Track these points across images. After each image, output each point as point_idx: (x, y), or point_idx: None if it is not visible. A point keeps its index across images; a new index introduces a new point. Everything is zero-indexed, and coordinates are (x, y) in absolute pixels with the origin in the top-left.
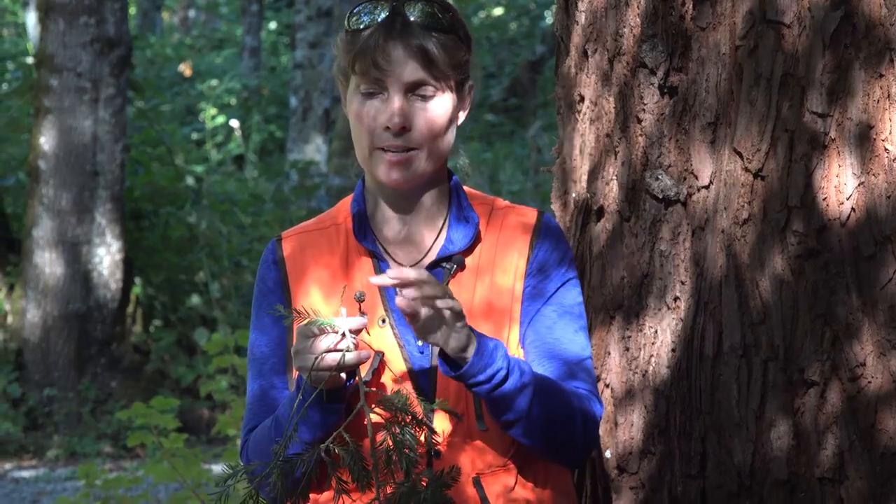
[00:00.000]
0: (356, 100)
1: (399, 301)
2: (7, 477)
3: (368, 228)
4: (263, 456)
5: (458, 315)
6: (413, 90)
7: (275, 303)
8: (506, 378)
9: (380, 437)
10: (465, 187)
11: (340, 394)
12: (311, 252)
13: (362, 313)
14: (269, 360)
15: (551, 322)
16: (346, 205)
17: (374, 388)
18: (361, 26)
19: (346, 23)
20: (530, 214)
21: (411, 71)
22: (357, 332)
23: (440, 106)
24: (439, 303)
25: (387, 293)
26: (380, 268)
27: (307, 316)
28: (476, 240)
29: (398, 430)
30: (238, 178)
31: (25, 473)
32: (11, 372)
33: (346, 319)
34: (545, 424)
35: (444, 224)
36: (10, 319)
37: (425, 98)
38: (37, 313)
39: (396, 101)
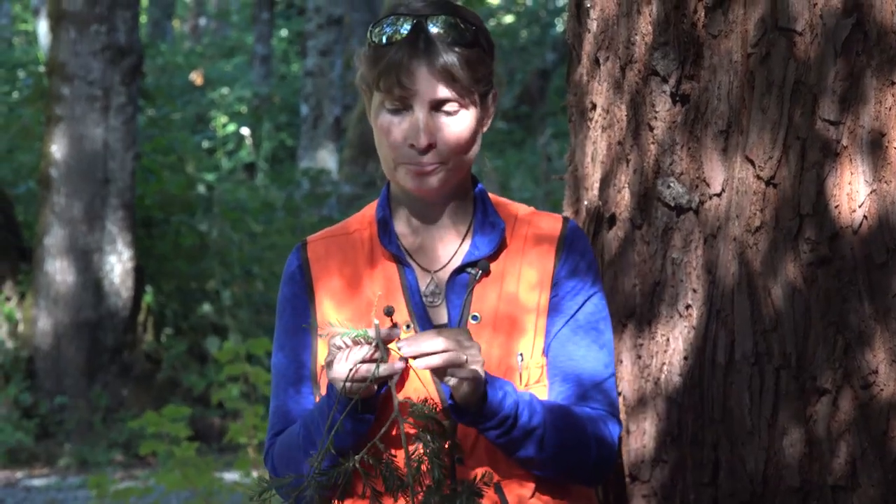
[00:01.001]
0: (380, 115)
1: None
2: (18, 485)
3: (393, 234)
4: (291, 461)
5: (474, 379)
6: (437, 108)
7: (298, 310)
8: (513, 426)
9: (412, 445)
10: (490, 194)
11: (372, 403)
12: (337, 256)
13: (394, 325)
14: (290, 369)
15: (573, 341)
16: (370, 210)
17: (400, 397)
18: (384, 39)
19: (368, 35)
20: (555, 224)
21: (435, 90)
22: (389, 342)
23: (464, 121)
24: (452, 376)
25: (411, 299)
26: (404, 273)
27: (339, 327)
28: (501, 246)
29: (429, 439)
30: (249, 186)
31: (37, 482)
32: (23, 380)
33: (379, 330)
34: (556, 458)
35: (468, 230)
36: (21, 328)
37: (450, 114)
38: (48, 321)
39: (421, 120)
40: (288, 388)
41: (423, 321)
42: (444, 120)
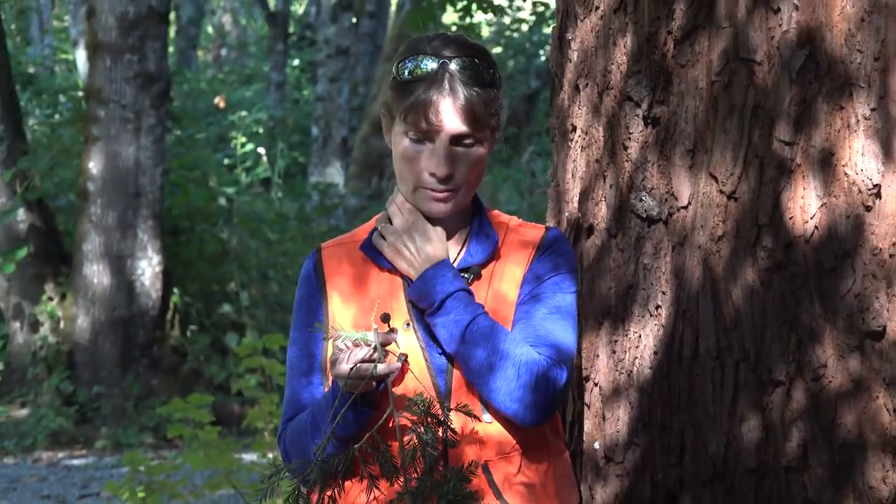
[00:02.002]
0: (403, 143)
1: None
2: (60, 465)
3: None
4: (299, 445)
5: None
6: (457, 142)
7: (312, 308)
8: (437, 310)
9: (407, 436)
10: (486, 206)
11: (371, 397)
12: (347, 261)
13: (392, 329)
14: (302, 361)
15: (534, 311)
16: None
17: (397, 390)
18: (410, 74)
19: (395, 69)
20: (537, 231)
21: (457, 125)
22: (386, 344)
23: (478, 152)
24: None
25: (411, 302)
26: (406, 280)
27: (343, 331)
28: (494, 255)
29: (423, 430)
30: (265, 199)
31: (76, 462)
32: (64, 371)
33: (378, 334)
34: (477, 367)
35: (466, 239)
36: (62, 325)
37: (467, 147)
38: (86, 319)
39: (443, 153)
40: (300, 378)
41: (421, 319)
42: (462, 152)
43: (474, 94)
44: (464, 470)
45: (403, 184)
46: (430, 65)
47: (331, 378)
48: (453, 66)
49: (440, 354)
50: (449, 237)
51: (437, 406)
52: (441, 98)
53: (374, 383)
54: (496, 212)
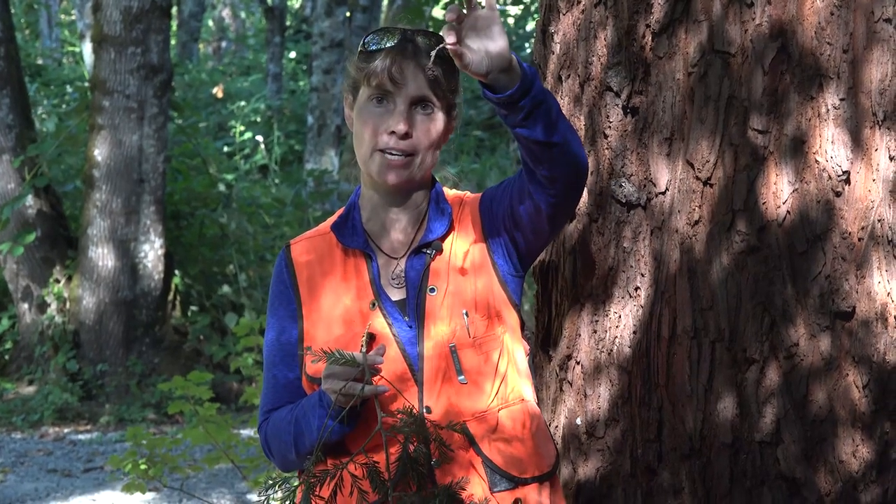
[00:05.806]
0: (366, 107)
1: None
2: (66, 440)
3: (360, 229)
4: (281, 443)
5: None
6: (416, 104)
7: (284, 302)
8: (541, 85)
9: (393, 450)
10: (444, 188)
11: (357, 410)
12: (315, 254)
13: (373, 344)
14: (279, 354)
15: (504, 186)
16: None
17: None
18: (374, 47)
19: (361, 45)
20: (478, 196)
21: (418, 86)
22: (372, 366)
23: (436, 120)
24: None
25: (376, 283)
26: (370, 262)
27: (333, 352)
28: (451, 227)
29: (413, 448)
30: (263, 185)
31: (81, 437)
32: (70, 350)
33: (365, 356)
34: (565, 122)
35: (424, 217)
36: (68, 305)
37: (426, 112)
38: (91, 300)
39: (403, 111)
40: (277, 371)
41: (386, 298)
42: (420, 116)
43: (437, 61)
44: (451, 486)
45: (362, 153)
46: (395, 37)
47: (310, 371)
48: (418, 39)
49: (409, 328)
50: (410, 215)
51: (417, 408)
52: (404, 60)
53: (360, 400)
54: (454, 192)
